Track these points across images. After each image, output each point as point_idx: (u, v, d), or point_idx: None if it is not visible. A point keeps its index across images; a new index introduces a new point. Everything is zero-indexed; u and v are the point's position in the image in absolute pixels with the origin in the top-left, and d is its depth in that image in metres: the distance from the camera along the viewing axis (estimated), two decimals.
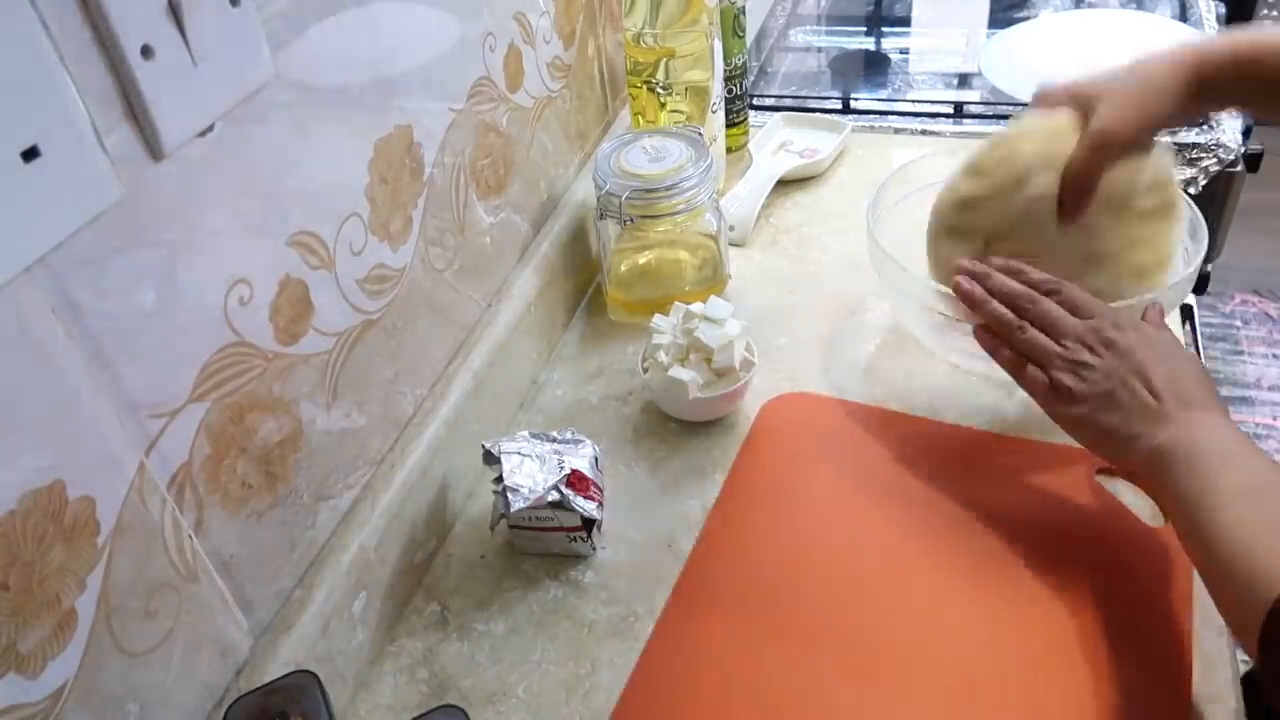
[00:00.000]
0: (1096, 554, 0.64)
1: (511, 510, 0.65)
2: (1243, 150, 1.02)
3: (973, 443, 0.74)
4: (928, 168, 0.85)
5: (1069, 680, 0.58)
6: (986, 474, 0.71)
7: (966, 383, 0.80)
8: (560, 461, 0.67)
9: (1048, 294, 0.66)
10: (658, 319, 0.80)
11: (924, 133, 1.10)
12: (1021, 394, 0.78)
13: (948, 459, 0.73)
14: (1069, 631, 0.60)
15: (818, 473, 0.74)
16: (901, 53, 1.30)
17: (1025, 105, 1.06)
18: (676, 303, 0.81)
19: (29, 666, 0.41)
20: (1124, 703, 0.56)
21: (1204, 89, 0.65)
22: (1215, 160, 1.01)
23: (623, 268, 0.90)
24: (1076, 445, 0.65)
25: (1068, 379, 0.63)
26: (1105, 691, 0.57)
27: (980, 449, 0.74)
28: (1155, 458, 0.58)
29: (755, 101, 1.17)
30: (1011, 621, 0.61)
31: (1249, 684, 0.59)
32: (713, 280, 0.90)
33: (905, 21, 1.40)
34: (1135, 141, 0.66)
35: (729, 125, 1.02)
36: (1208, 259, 0.73)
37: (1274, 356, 2.12)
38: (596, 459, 0.70)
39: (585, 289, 0.95)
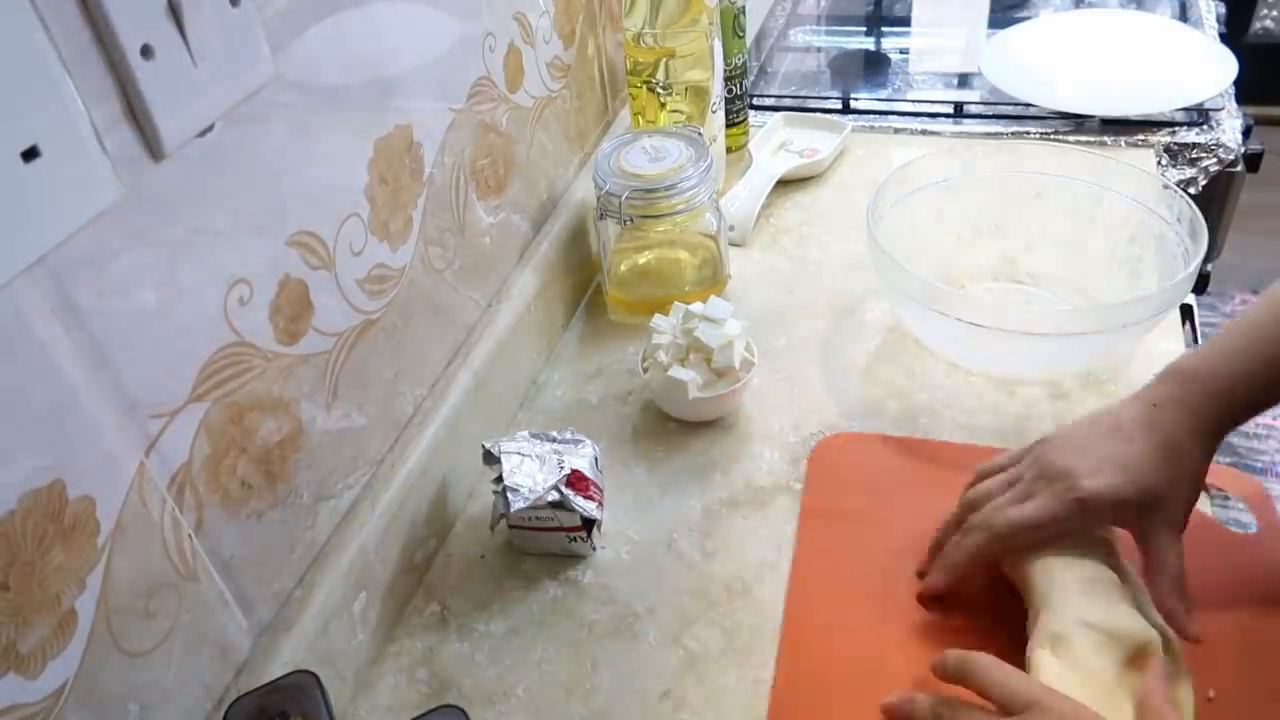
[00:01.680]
0: (1207, 569, 0.60)
1: (511, 510, 0.65)
2: (1243, 150, 1.02)
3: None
4: (928, 168, 0.85)
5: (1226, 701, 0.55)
6: None
7: (966, 383, 0.80)
8: (560, 461, 0.67)
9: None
10: (657, 319, 0.80)
11: (924, 133, 1.10)
12: (1022, 393, 0.78)
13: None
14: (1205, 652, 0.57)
15: (890, 511, 0.70)
16: (901, 53, 1.30)
17: (1025, 105, 1.07)
18: (676, 302, 0.81)
19: (29, 666, 0.41)
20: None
21: (1222, 438, 0.59)
22: (1215, 160, 1.01)
23: (623, 268, 0.90)
24: None
25: None
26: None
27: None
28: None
29: (755, 101, 1.17)
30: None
31: None
32: (713, 280, 0.90)
33: (905, 21, 1.40)
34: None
35: (729, 125, 1.02)
36: (1208, 259, 0.73)
37: None
38: (596, 459, 0.70)
39: (585, 289, 0.95)
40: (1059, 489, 0.58)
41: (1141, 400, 0.59)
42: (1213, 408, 0.57)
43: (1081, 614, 0.55)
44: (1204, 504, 0.67)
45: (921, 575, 0.64)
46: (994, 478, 0.63)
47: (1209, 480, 0.66)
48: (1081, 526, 0.59)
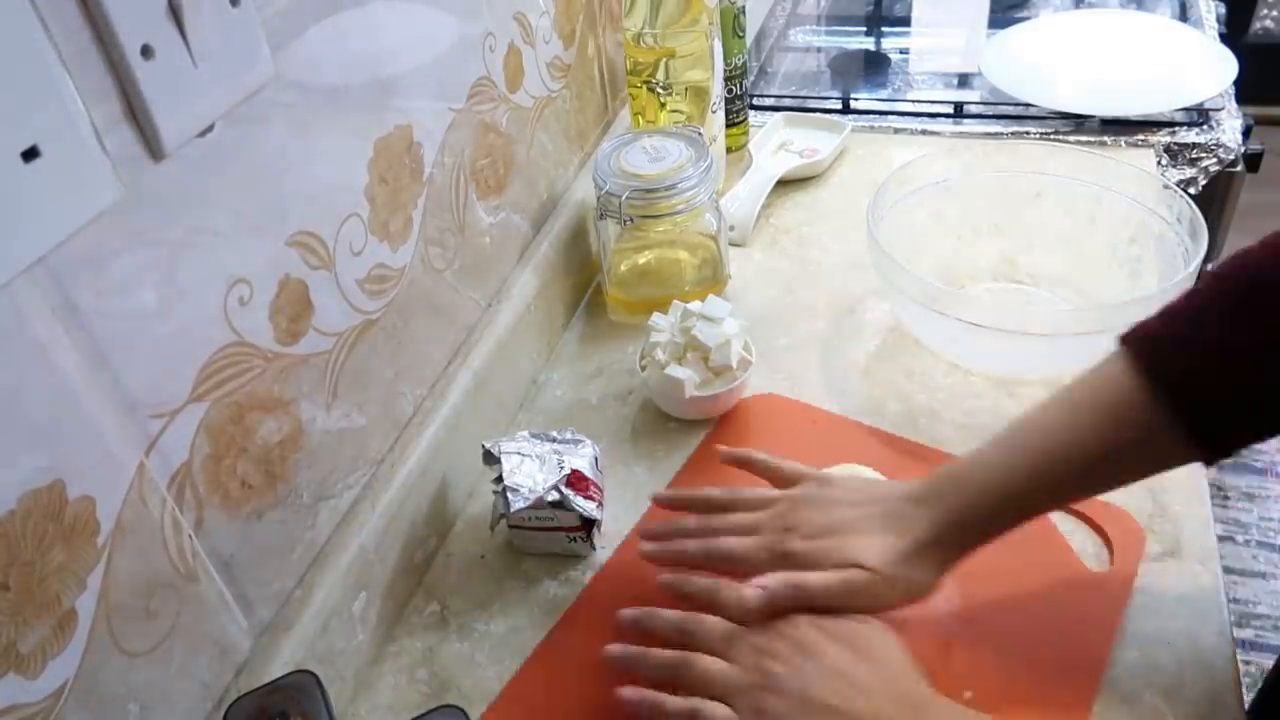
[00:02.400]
0: (1030, 587, 0.63)
1: (511, 510, 0.65)
2: (1243, 150, 1.02)
3: (934, 463, 0.72)
4: (928, 168, 0.85)
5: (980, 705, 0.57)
6: None
7: (966, 382, 0.80)
8: (560, 461, 0.67)
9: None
10: (656, 317, 0.80)
11: (924, 133, 1.10)
12: (1022, 394, 0.78)
13: (903, 476, 0.71)
14: (985, 658, 0.59)
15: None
16: (901, 53, 1.30)
17: (1025, 105, 1.07)
18: (675, 301, 0.81)
19: (29, 666, 0.41)
20: None
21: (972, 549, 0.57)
22: (1215, 160, 1.01)
23: (622, 268, 0.90)
24: None
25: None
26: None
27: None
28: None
29: (755, 101, 1.17)
30: (923, 641, 0.59)
31: (1255, 715, 0.59)
32: (713, 280, 0.90)
33: (905, 21, 1.40)
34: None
35: (729, 125, 1.02)
36: (1208, 259, 0.73)
37: None
38: (596, 459, 0.70)
39: (585, 289, 0.95)
40: (773, 537, 0.59)
41: (906, 491, 0.58)
42: (966, 517, 0.55)
43: None
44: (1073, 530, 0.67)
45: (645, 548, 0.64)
46: (756, 496, 0.63)
47: (1089, 514, 0.67)
48: (778, 569, 0.57)
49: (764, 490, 0.64)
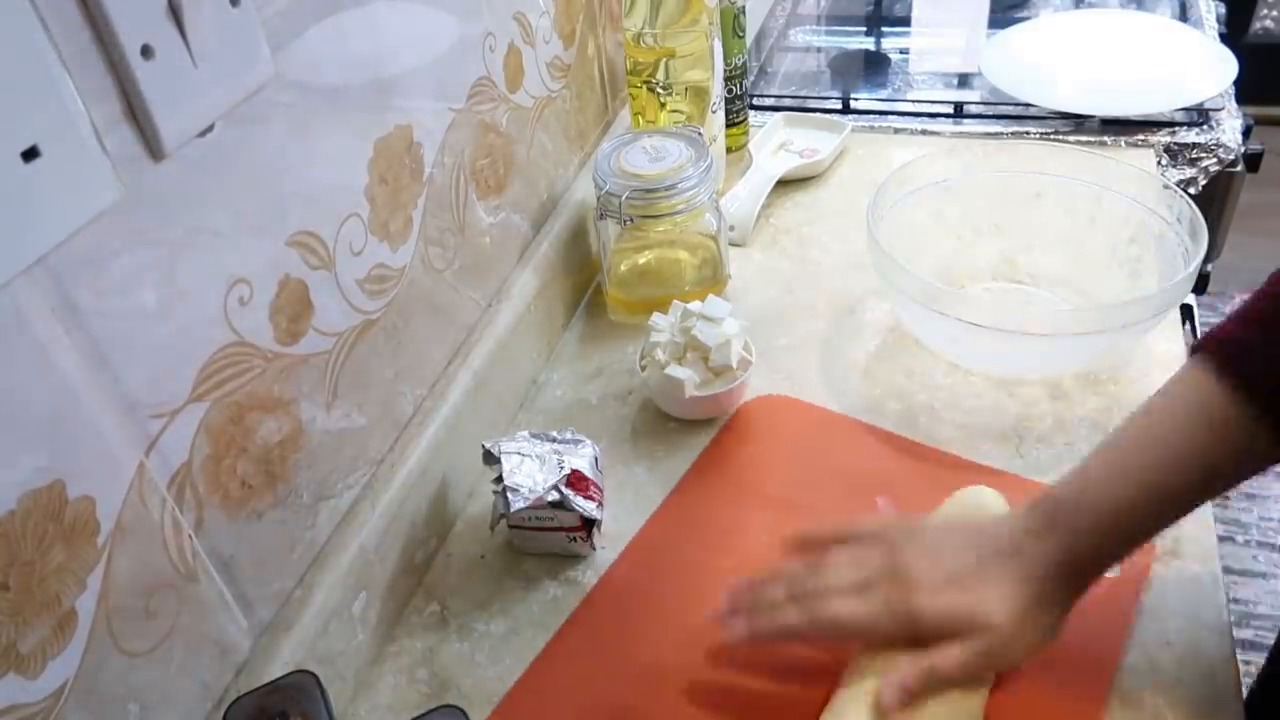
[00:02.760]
0: None
1: (511, 510, 0.65)
2: (1243, 150, 1.02)
3: (940, 464, 0.73)
4: (928, 168, 0.85)
5: (991, 707, 0.56)
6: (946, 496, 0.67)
7: (966, 382, 0.80)
8: (560, 461, 0.67)
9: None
10: (656, 317, 0.80)
11: (924, 133, 1.10)
12: (1022, 393, 0.78)
13: (910, 477, 0.71)
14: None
15: (776, 476, 0.73)
16: (901, 53, 1.30)
17: (1025, 105, 1.07)
18: (675, 301, 0.81)
19: (29, 666, 0.41)
20: None
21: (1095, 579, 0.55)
22: (1215, 160, 1.01)
23: (623, 268, 0.90)
24: (1042, 480, 0.62)
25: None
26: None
27: (946, 471, 0.72)
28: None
29: (755, 101, 1.17)
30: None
31: (1251, 709, 0.59)
32: (713, 280, 0.90)
33: (905, 21, 1.40)
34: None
35: (729, 125, 1.02)
36: (1208, 259, 0.73)
37: None
38: (596, 459, 0.70)
39: (585, 289, 0.95)
40: (895, 596, 0.54)
41: (1016, 525, 0.56)
42: (1085, 545, 0.54)
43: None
44: None
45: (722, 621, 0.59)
46: (844, 550, 0.59)
47: None
48: (904, 640, 0.54)
49: (854, 533, 0.59)
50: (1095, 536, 0.53)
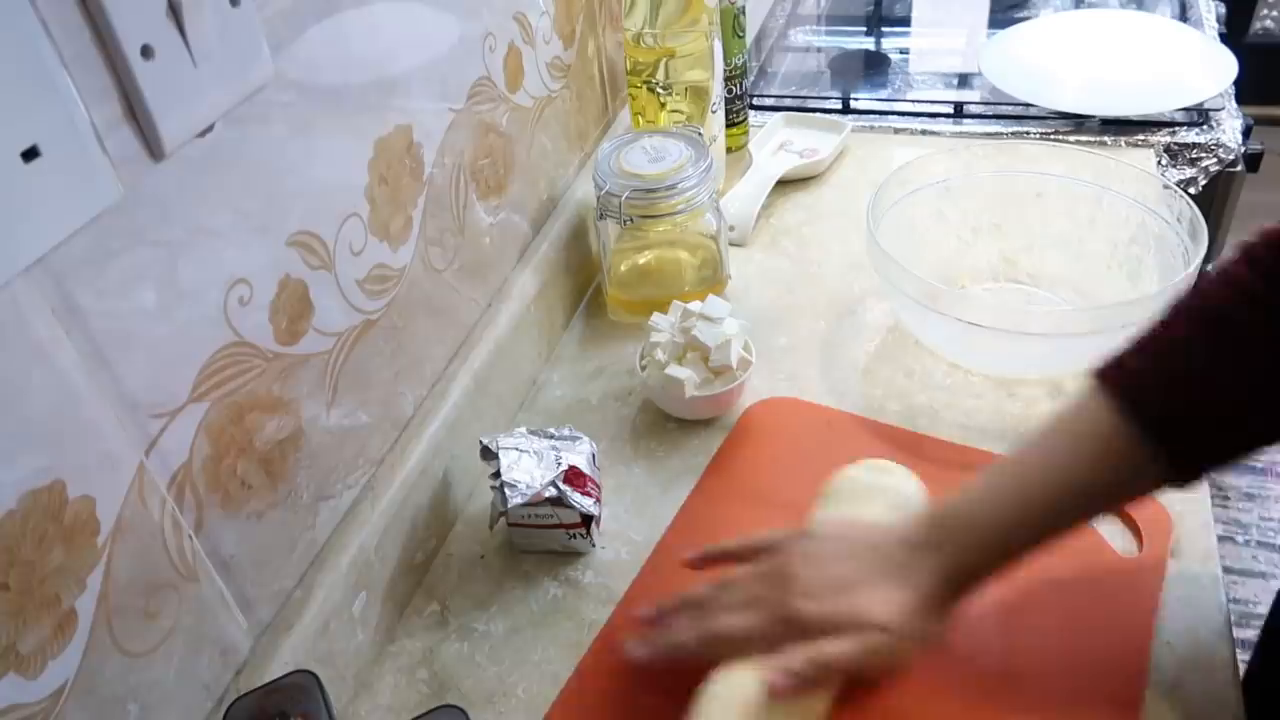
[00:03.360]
0: (1064, 576, 0.63)
1: (509, 506, 0.65)
2: (1243, 150, 1.02)
3: (953, 457, 0.73)
4: (928, 168, 0.85)
5: (1024, 698, 0.57)
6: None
7: (966, 382, 0.80)
8: (558, 458, 0.67)
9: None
10: (656, 317, 0.80)
11: (924, 133, 1.10)
12: (1022, 393, 0.78)
13: (925, 473, 0.71)
14: (1029, 651, 0.60)
15: (790, 479, 0.72)
16: (901, 53, 1.30)
17: (1025, 105, 1.07)
18: (675, 301, 0.81)
19: (29, 666, 0.41)
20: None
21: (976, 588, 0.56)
22: (1215, 160, 1.01)
23: (623, 268, 0.90)
24: None
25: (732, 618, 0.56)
26: (1057, 709, 0.56)
27: (959, 463, 0.72)
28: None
29: (755, 101, 1.17)
30: (967, 637, 0.60)
31: (1249, 686, 0.59)
32: (713, 280, 0.90)
33: (905, 21, 1.40)
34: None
35: (729, 125, 1.02)
36: (1208, 259, 0.73)
37: None
38: (594, 456, 0.70)
39: (585, 289, 0.95)
40: (774, 601, 0.56)
41: (904, 536, 0.57)
42: (970, 560, 0.55)
43: None
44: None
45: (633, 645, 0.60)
46: (745, 567, 0.60)
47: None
48: (792, 643, 0.54)
49: (753, 546, 0.61)
50: (980, 553, 0.55)
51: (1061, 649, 0.60)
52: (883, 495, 0.64)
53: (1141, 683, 0.58)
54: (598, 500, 0.68)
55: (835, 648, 0.54)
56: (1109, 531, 0.66)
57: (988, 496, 0.56)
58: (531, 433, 0.70)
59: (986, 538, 0.55)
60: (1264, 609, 1.62)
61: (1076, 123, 1.06)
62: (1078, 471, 0.53)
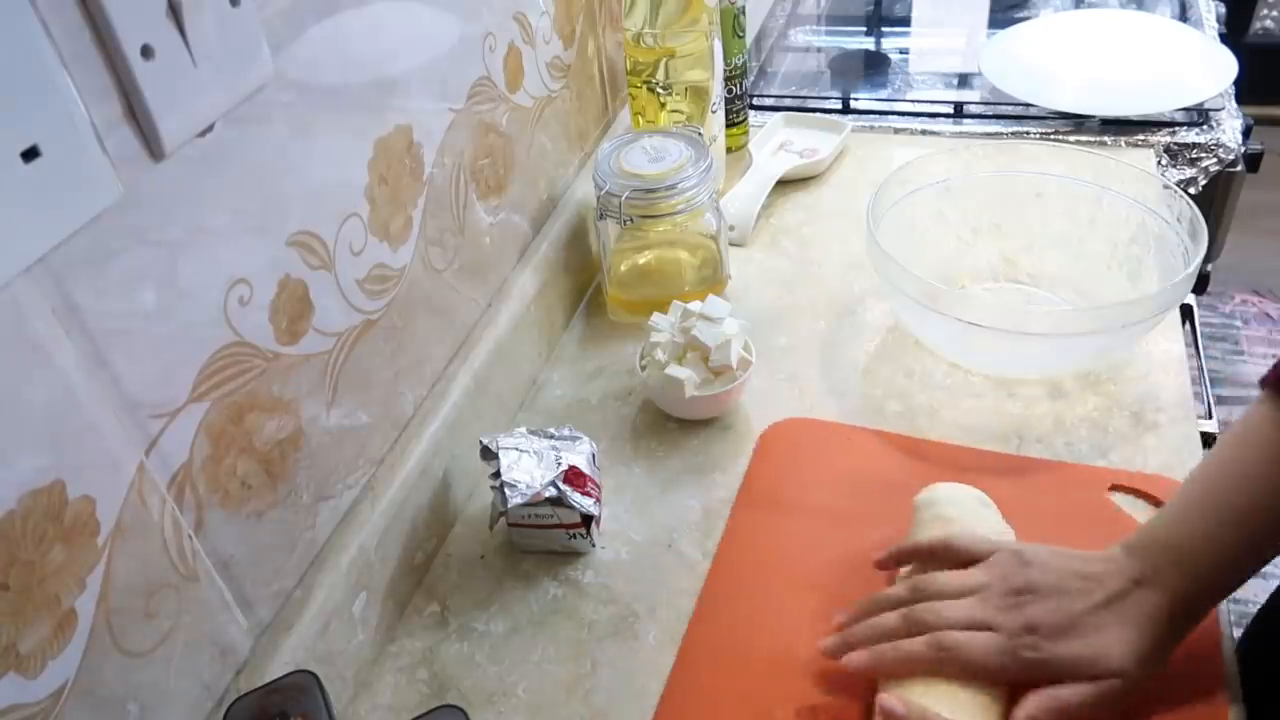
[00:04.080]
0: None
1: (509, 506, 0.65)
2: (1243, 150, 1.02)
3: (981, 464, 0.72)
4: (928, 168, 0.85)
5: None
6: (998, 496, 0.67)
7: (966, 383, 0.80)
8: (558, 458, 0.68)
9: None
10: (656, 317, 0.80)
11: (924, 133, 1.10)
12: (1022, 393, 0.78)
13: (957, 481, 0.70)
14: None
15: (826, 503, 0.71)
16: (901, 53, 1.30)
17: (1025, 105, 1.07)
18: (675, 301, 0.81)
19: (29, 666, 0.41)
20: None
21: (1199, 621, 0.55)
22: (1215, 160, 1.01)
23: (623, 268, 0.90)
24: (1086, 464, 0.62)
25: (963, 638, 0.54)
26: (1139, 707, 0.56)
27: (991, 470, 0.71)
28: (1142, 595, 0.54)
29: (755, 101, 1.17)
30: None
31: (1244, 659, 0.59)
32: (713, 280, 0.90)
33: (905, 21, 1.40)
34: None
35: (729, 125, 1.02)
36: (1208, 259, 0.73)
37: (1274, 356, 2.12)
38: (594, 456, 0.70)
39: (585, 289, 0.95)
40: (1021, 642, 0.54)
41: (1123, 569, 0.55)
42: (1195, 589, 0.54)
43: None
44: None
45: (836, 651, 0.59)
46: (956, 574, 0.59)
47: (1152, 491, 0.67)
48: (1022, 675, 0.54)
49: (963, 549, 0.60)
50: (1203, 582, 0.54)
51: None
52: (973, 515, 0.63)
53: (1218, 661, 0.58)
54: (598, 500, 0.68)
55: (1074, 694, 0.53)
56: (1142, 515, 0.67)
57: (1201, 524, 0.55)
58: (531, 433, 0.70)
59: (1208, 569, 0.54)
60: None
61: (1076, 123, 1.06)
62: (1274, 479, 0.53)
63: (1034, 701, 0.53)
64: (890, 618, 0.58)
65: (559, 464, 0.67)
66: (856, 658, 0.57)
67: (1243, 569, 0.54)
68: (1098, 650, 0.53)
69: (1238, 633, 0.62)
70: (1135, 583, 0.55)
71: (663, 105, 0.92)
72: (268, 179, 0.53)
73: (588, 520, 0.68)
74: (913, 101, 1.16)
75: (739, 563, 0.68)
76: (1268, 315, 2.22)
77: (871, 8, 1.43)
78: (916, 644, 0.56)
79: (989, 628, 0.55)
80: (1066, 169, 0.84)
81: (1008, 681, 0.55)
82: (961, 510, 0.64)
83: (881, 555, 0.63)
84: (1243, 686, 0.57)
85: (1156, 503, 0.68)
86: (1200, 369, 0.98)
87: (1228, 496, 0.54)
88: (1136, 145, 1.03)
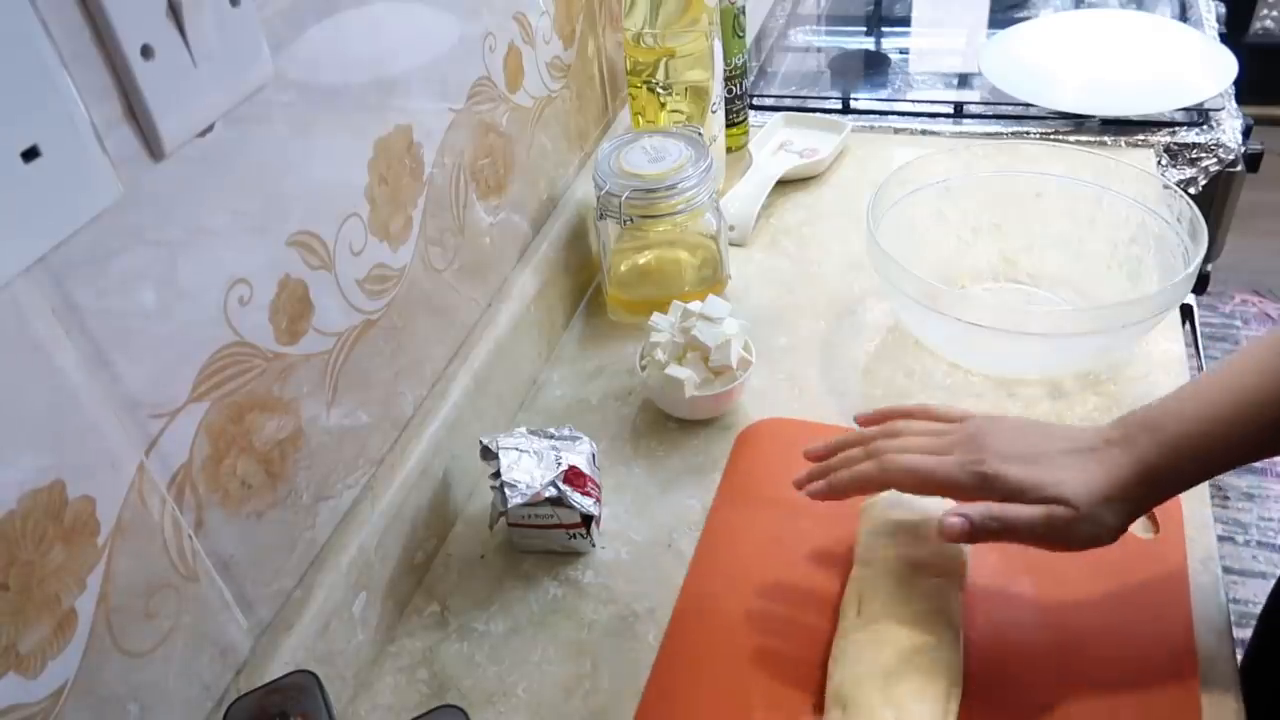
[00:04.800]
0: (1093, 568, 0.62)
1: (509, 506, 0.65)
2: (1243, 150, 1.02)
3: None
4: (927, 168, 0.85)
5: (1073, 689, 0.57)
6: None
7: (966, 382, 0.80)
8: (558, 458, 0.68)
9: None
10: (656, 317, 0.80)
11: (924, 133, 1.10)
12: (1022, 393, 0.78)
13: None
14: (1068, 641, 0.60)
15: (799, 500, 0.71)
16: (901, 53, 1.30)
17: (1025, 105, 1.07)
18: (675, 301, 0.81)
19: (29, 666, 0.41)
20: (1132, 705, 0.56)
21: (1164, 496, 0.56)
22: (1215, 160, 1.01)
23: (623, 268, 0.90)
24: None
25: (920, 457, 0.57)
26: (1112, 697, 0.56)
27: None
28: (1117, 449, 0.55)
29: (755, 101, 1.17)
30: (1010, 630, 0.61)
31: (1247, 675, 0.59)
32: (713, 280, 0.90)
33: (905, 21, 1.40)
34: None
35: (729, 125, 1.02)
36: (1208, 259, 0.73)
37: None
38: (594, 456, 0.70)
39: (585, 289, 0.95)
40: (970, 458, 0.56)
41: (1099, 432, 0.57)
42: (1164, 459, 0.54)
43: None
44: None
45: (801, 484, 0.63)
46: (923, 422, 0.62)
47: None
48: (975, 499, 0.56)
49: (941, 413, 0.62)
50: (1171, 456, 0.54)
51: (1107, 625, 0.60)
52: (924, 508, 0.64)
53: (1192, 657, 0.58)
54: (598, 500, 0.68)
55: (1018, 512, 0.54)
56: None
57: (1191, 403, 0.55)
58: (531, 433, 0.70)
59: (1179, 443, 0.54)
60: None
61: (1076, 123, 1.06)
62: (1267, 388, 0.53)
63: (975, 508, 0.54)
64: (855, 451, 0.61)
65: (559, 464, 0.67)
66: (814, 486, 0.60)
67: (1215, 455, 0.54)
68: (1053, 478, 0.54)
69: (1238, 633, 0.62)
70: (1106, 442, 0.55)
71: (663, 105, 0.92)
72: (268, 179, 0.53)
73: (588, 520, 0.68)
74: (913, 101, 1.16)
75: (715, 561, 0.68)
76: (1268, 315, 2.22)
77: (871, 8, 1.43)
78: (868, 464, 0.58)
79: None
80: (1066, 169, 0.84)
81: (957, 497, 0.56)
82: (912, 499, 0.64)
83: (865, 413, 0.66)
84: (1246, 705, 0.57)
85: None
86: (1200, 369, 0.98)
87: (1221, 384, 0.55)
88: (1136, 145, 1.03)
